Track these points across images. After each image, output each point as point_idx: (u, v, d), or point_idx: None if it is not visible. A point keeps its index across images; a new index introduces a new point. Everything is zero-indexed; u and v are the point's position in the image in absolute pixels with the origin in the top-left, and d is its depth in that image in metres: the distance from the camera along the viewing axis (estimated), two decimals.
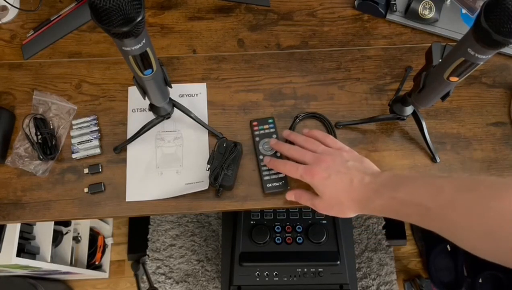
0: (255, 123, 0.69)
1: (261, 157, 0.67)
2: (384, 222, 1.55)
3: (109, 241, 1.54)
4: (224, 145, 0.65)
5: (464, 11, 0.73)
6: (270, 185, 0.65)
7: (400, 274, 1.53)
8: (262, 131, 0.68)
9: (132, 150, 0.68)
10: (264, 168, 0.66)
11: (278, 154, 0.67)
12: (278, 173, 0.66)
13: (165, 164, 0.67)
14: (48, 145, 0.66)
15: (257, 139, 0.68)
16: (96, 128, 0.68)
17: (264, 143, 0.68)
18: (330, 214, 0.58)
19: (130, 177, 0.66)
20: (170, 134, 0.69)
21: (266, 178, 0.66)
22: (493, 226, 0.39)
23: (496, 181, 0.44)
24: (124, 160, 0.67)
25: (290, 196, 0.63)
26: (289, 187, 0.65)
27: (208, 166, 0.64)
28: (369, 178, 0.54)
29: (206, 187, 0.64)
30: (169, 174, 0.67)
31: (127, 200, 0.65)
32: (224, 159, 0.64)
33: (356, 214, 0.56)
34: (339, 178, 0.55)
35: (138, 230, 1.55)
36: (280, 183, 0.65)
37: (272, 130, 0.68)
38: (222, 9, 0.77)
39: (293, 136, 0.65)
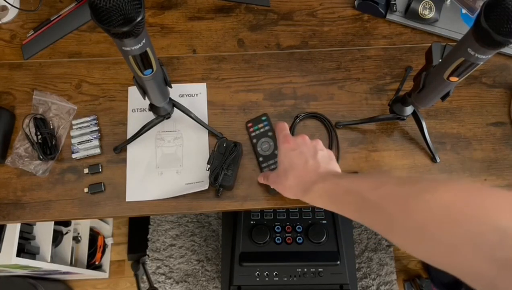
0: (250, 124, 0.69)
1: (261, 159, 0.67)
2: None
3: (109, 241, 1.54)
4: (224, 145, 0.65)
5: (464, 11, 0.73)
6: None
7: (400, 274, 1.53)
8: (257, 131, 0.68)
9: (132, 150, 0.68)
10: (265, 169, 0.66)
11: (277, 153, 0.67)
12: None
13: (165, 164, 0.67)
14: (48, 145, 0.66)
15: (254, 141, 0.68)
16: (96, 128, 0.68)
17: (262, 143, 0.68)
18: (274, 187, 0.60)
19: (130, 177, 0.66)
20: (170, 134, 0.69)
21: None
22: (422, 220, 0.38)
23: (438, 178, 0.42)
24: (124, 160, 0.67)
25: (261, 179, 0.64)
26: None
27: (208, 166, 0.64)
28: (323, 169, 0.55)
29: (206, 187, 0.64)
30: (169, 174, 0.67)
31: (127, 200, 0.65)
32: (224, 159, 0.64)
33: (295, 197, 0.57)
34: (300, 156, 0.56)
35: (138, 230, 1.55)
36: None
37: (267, 127, 0.68)
38: (222, 9, 0.77)
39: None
